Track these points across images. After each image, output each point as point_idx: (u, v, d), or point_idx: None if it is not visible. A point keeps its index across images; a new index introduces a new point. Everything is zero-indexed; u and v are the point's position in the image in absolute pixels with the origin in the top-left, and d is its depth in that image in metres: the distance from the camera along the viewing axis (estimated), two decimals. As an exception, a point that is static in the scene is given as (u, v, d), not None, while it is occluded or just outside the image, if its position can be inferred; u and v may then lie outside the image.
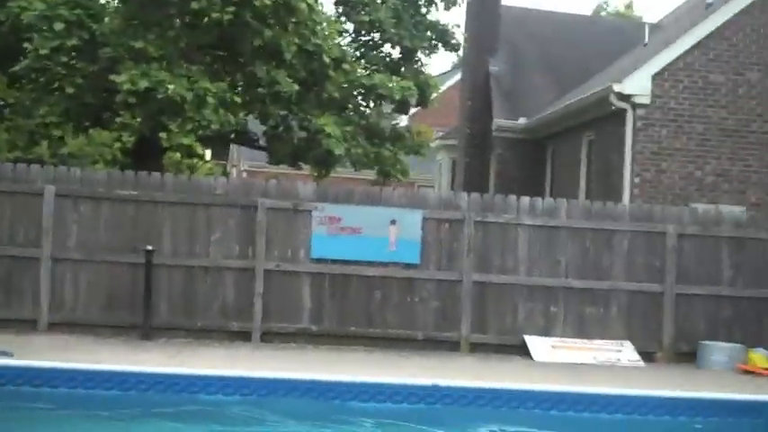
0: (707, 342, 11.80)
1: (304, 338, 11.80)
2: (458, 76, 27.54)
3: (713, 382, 10.60)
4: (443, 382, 9.58)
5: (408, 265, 12.01)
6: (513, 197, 12.27)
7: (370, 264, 11.96)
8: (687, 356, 11.97)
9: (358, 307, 11.94)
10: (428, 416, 9.02)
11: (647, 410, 9.46)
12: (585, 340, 11.93)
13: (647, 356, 11.79)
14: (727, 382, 10.58)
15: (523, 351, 11.76)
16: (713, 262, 12.27)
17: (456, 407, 9.35)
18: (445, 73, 38.96)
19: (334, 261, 11.93)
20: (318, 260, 11.92)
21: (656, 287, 12.15)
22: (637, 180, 14.27)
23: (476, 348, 11.92)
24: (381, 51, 21.07)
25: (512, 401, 9.42)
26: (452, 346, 11.93)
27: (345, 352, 11.37)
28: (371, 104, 19.99)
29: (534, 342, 11.79)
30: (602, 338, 11.99)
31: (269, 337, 11.73)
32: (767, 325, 12.24)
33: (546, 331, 12.05)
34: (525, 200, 12.19)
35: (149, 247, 11.33)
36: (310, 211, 11.91)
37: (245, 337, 11.66)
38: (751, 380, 10.86)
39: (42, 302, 11.43)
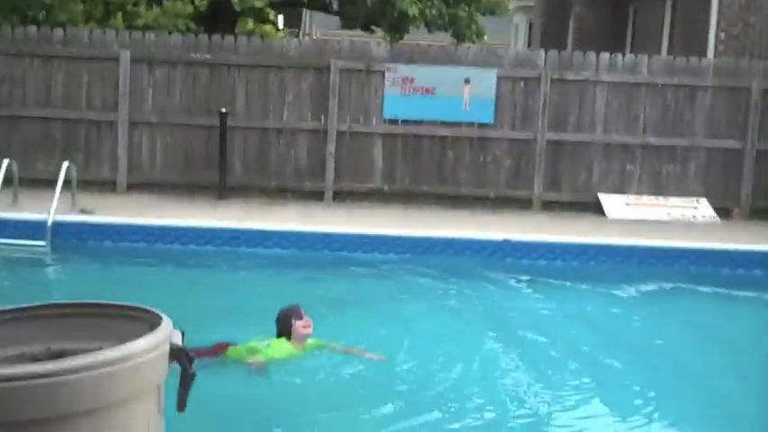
0: (787, 198, 11.53)
1: (376, 198, 11.90)
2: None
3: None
4: (515, 236, 9.66)
5: (482, 125, 11.90)
6: (592, 54, 11.93)
7: (443, 124, 11.88)
8: (765, 213, 11.71)
9: (430, 167, 11.95)
10: (499, 269, 9.10)
11: (720, 263, 9.41)
12: (661, 197, 11.75)
13: (723, 213, 11.58)
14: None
15: (596, 208, 11.67)
16: (799, 117, 11.83)
17: (527, 261, 9.44)
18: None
19: (407, 122, 11.89)
20: (391, 121, 11.89)
21: (737, 144, 11.81)
22: (722, 36, 13.70)
23: (548, 206, 11.88)
24: None
25: (582, 255, 9.48)
26: (524, 205, 11.90)
27: (417, 210, 11.46)
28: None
29: (608, 199, 11.67)
30: (679, 196, 11.79)
31: (341, 196, 11.88)
32: None
33: (620, 189, 11.90)
34: (605, 56, 11.85)
35: (223, 110, 11.45)
36: (383, 72, 11.81)
37: (317, 196, 11.83)
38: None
39: (120, 165, 11.74)
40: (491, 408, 5.26)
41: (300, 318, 5.77)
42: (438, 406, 5.20)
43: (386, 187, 11.94)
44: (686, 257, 9.40)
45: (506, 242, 9.53)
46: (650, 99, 11.82)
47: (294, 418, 5.03)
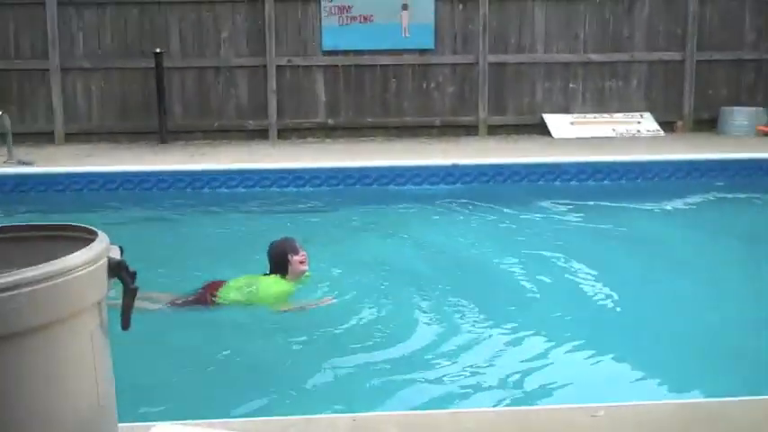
0: (727, 107, 11.62)
1: (321, 133, 11.77)
2: None
3: (733, 144, 10.53)
4: (463, 161, 9.62)
5: (423, 51, 11.77)
6: (529, -29, 11.82)
7: (383, 52, 11.72)
8: (708, 123, 11.84)
9: (374, 97, 11.82)
10: (449, 195, 9.08)
11: (667, 175, 9.49)
12: (605, 114, 11.79)
13: (667, 126, 11.67)
14: (748, 144, 10.50)
15: (542, 129, 11.68)
16: (735, 26, 11.88)
17: (476, 184, 9.43)
18: None
19: (347, 52, 11.71)
20: (331, 52, 11.69)
21: (677, 55, 11.86)
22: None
23: (494, 130, 11.85)
24: None
25: (531, 175, 9.48)
26: (470, 130, 11.86)
27: (364, 143, 11.36)
28: None
29: (553, 119, 11.68)
30: (622, 112, 11.84)
31: (286, 133, 11.71)
32: (791, 86, 12.00)
33: (565, 108, 11.91)
34: (541, -26, 11.75)
35: (158, 50, 11.14)
36: (319, 2, 11.57)
37: (262, 135, 11.65)
38: (772, 141, 10.77)
39: (56, 114, 11.41)
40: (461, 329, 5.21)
41: (297, 252, 5.49)
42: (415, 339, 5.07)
43: (330, 121, 11.79)
44: (633, 171, 9.48)
45: (455, 167, 9.49)
46: (589, 15, 11.78)
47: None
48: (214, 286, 5.48)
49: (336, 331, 5.05)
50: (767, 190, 9.18)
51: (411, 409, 3.78)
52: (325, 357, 4.65)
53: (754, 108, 11.57)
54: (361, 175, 9.40)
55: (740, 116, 11.42)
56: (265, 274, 5.56)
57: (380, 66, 11.74)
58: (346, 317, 5.21)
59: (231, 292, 5.41)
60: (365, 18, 11.64)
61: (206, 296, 5.41)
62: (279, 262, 5.49)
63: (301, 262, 5.49)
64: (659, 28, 11.85)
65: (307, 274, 5.60)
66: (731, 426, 3.29)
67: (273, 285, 5.44)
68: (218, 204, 8.79)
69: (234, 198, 9.01)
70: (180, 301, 5.41)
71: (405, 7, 11.57)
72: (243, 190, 9.18)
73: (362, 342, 4.90)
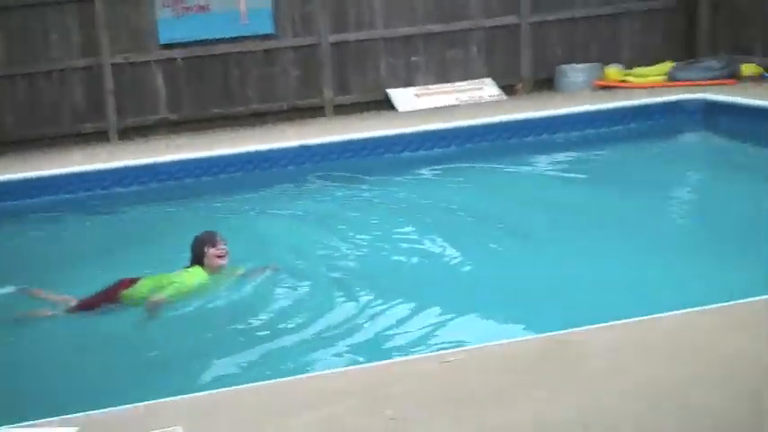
0: (563, 66, 11.99)
1: (165, 129, 11.43)
2: None
3: (570, 99, 10.88)
4: (311, 141, 9.59)
5: (263, 36, 11.61)
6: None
7: (223, 41, 11.50)
8: (547, 83, 12.16)
9: (217, 87, 11.58)
10: (298, 176, 9.06)
11: (509, 135, 9.74)
12: (447, 84, 11.96)
13: (509, 90, 11.93)
14: (584, 98, 10.87)
15: (388, 105, 11.72)
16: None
17: (326, 163, 9.42)
18: None
19: (186, 44, 11.42)
20: (168, 45, 11.38)
21: (513, 19, 12.11)
22: None
23: (341, 110, 11.81)
24: None
25: (378, 148, 9.55)
26: (318, 112, 11.78)
27: (210, 134, 11.14)
28: None
29: (397, 94, 11.75)
30: (465, 80, 12.04)
31: (127, 133, 11.33)
32: (621, 41, 12.43)
33: (409, 82, 11.99)
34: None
35: (-18, 58, 10.59)
36: (151, -6, 11.24)
37: (101, 137, 11.24)
38: (607, 93, 11.17)
39: None
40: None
41: (214, 245, 5.42)
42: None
43: (173, 116, 11.50)
44: (477, 134, 9.69)
45: (303, 147, 9.45)
46: (424, -14, 11.90)
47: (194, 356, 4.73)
48: (124, 284, 5.38)
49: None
50: (608, 138, 9.61)
51: (267, 378, 3.73)
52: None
53: (588, 64, 11.98)
54: (211, 164, 9.27)
55: (574, 73, 11.80)
56: (186, 267, 5.48)
57: (221, 55, 11.52)
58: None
59: (142, 289, 5.31)
60: (201, 8, 11.38)
61: (113, 294, 5.30)
62: (196, 254, 5.46)
63: (218, 255, 5.42)
64: (493, -6, 12.08)
65: (235, 268, 5.54)
66: (580, 355, 3.40)
67: (188, 277, 5.35)
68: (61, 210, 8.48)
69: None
70: (82, 303, 5.28)
71: (240, -6, 11.39)
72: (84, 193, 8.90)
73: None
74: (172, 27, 11.32)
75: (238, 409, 3.16)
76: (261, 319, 4.92)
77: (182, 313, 5.09)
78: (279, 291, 5.33)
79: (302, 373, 3.86)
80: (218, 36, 11.45)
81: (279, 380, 3.58)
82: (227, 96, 11.60)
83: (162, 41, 11.35)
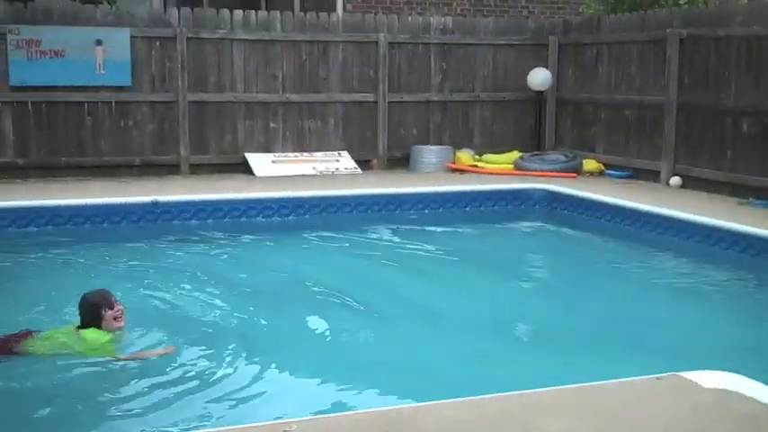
0: (418, 146, 12.37)
1: (11, 173, 11.00)
2: None
3: (424, 179, 11.22)
4: (163, 197, 9.45)
5: (120, 88, 11.42)
6: (225, 11, 11.87)
7: (77, 89, 11.23)
8: (401, 162, 12.51)
9: (68, 136, 11.26)
10: (151, 232, 8.88)
11: (364, 207, 9.94)
12: (306, 153, 12.09)
13: (364, 165, 12.18)
14: (436, 179, 11.24)
15: (245, 168, 11.72)
16: (422, 69, 12.71)
17: (178, 222, 9.30)
18: None
19: (38, 88, 11.09)
20: (19, 88, 11.02)
21: (371, 96, 12.45)
22: (350, -8, 14.39)
23: (197, 169, 11.72)
24: None
25: (233, 211, 9.51)
26: (172, 170, 11.64)
27: (59, 182, 10.78)
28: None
29: (255, 158, 11.78)
30: (322, 151, 12.21)
31: (-30, 174, 10.87)
32: (473, 126, 12.99)
33: (266, 148, 12.06)
34: (239, 13, 11.85)
35: None
36: (5, 35, 10.88)
37: (-59, 178, 10.72)
38: (458, 176, 11.59)
39: None
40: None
41: (111, 307, 5.14)
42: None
43: (20, 161, 11.08)
44: (332, 204, 9.83)
45: (155, 203, 9.29)
46: (286, 56, 12.06)
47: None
48: (23, 336, 5.09)
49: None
50: (455, 218, 9.95)
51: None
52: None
53: (442, 146, 12.41)
54: (53, 215, 8.95)
55: (429, 154, 12.19)
56: (78, 327, 5.18)
57: (74, 102, 11.24)
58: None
59: (44, 341, 5.02)
60: (56, 53, 11.10)
61: (10, 348, 4.99)
62: (91, 316, 5.15)
63: (115, 317, 5.16)
64: (353, 71, 12.39)
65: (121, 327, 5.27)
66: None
67: (96, 335, 5.08)
68: None
69: None
70: None
71: (99, 42, 11.19)
72: None
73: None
74: (24, 69, 10.98)
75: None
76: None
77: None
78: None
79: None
80: (72, 83, 11.18)
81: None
82: (79, 145, 11.30)
83: (12, 83, 10.98)
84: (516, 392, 3.85)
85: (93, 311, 5.16)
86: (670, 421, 3.54)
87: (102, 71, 11.28)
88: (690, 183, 10.68)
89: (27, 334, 5.16)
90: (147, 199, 9.31)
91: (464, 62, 12.89)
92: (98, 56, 11.23)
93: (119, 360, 5.00)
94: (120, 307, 5.21)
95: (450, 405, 3.72)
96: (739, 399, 3.78)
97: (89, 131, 11.36)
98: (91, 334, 5.11)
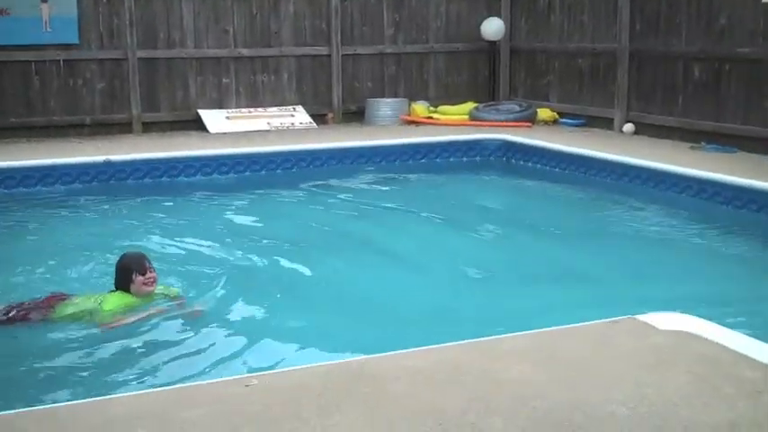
0: (373, 99, 12.32)
1: (-43, 135, 10.80)
2: None
3: (379, 132, 11.19)
4: (116, 157, 9.33)
5: (68, 46, 11.18)
6: (172, -34, 11.65)
7: (24, 47, 10.98)
8: (356, 115, 12.45)
9: (15, 96, 11.03)
10: (100, 191, 8.78)
11: (320, 162, 9.89)
12: (260, 109, 11.98)
13: (319, 119, 12.10)
14: (392, 132, 11.22)
15: (199, 125, 11.59)
16: (375, 21, 12.60)
17: (130, 181, 9.19)
18: None
19: (-19, 48, 10.83)
20: (-38, 48, 10.76)
21: (324, 50, 12.33)
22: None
23: (150, 127, 11.56)
24: None
25: (188, 169, 9.42)
26: (124, 128, 11.47)
27: (8, 144, 10.58)
28: None
29: (208, 115, 11.64)
30: (276, 105, 12.10)
31: None
32: (427, 77, 12.95)
33: (220, 104, 11.93)
34: (185, -33, 11.65)
35: None
36: (-56, -6, 10.59)
37: None
38: (414, 128, 11.58)
39: None
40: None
41: (143, 272, 5.07)
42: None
43: (-34, 122, 10.86)
44: (288, 159, 9.79)
45: (108, 163, 9.17)
46: (237, 10, 11.88)
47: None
48: (54, 300, 5.09)
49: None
50: (411, 170, 9.96)
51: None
52: None
53: (396, 99, 12.36)
54: (6, 177, 8.82)
55: (384, 107, 12.15)
56: (111, 291, 5.16)
57: (21, 62, 10.99)
58: None
59: (69, 307, 5.01)
60: (1, 11, 10.83)
61: (41, 309, 5.01)
62: (121, 278, 5.14)
63: (145, 283, 5.10)
64: (305, 23, 12.25)
65: (156, 292, 5.24)
66: (370, 381, 3.49)
67: (114, 303, 5.04)
68: None
69: None
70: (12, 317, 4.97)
71: (44, 0, 10.92)
72: None
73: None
74: (-32, 29, 10.71)
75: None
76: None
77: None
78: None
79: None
80: (18, 42, 10.93)
81: (65, 404, 3.46)
82: (26, 106, 11.08)
83: (-44, 43, 10.71)
84: (473, 340, 3.90)
85: (124, 274, 5.15)
86: (627, 364, 3.61)
87: (48, 29, 11.04)
88: (643, 129, 10.79)
89: (61, 297, 5.15)
90: (100, 159, 9.17)
91: (417, 13, 12.80)
92: (44, 13, 10.98)
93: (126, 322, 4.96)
94: (153, 274, 5.16)
95: (410, 355, 3.76)
96: (695, 340, 3.86)
97: (37, 91, 11.14)
98: (111, 296, 5.11)
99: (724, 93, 9.75)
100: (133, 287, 5.13)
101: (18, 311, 5.05)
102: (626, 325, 4.08)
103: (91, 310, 5.02)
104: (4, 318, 5.01)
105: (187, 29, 11.70)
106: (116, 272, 5.23)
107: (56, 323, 4.97)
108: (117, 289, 5.19)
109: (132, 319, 4.95)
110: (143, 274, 5.12)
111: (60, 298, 5.17)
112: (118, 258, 5.32)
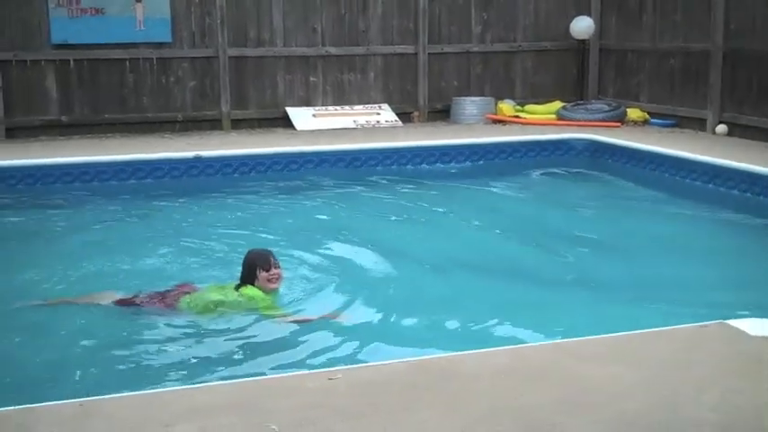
0: (458, 97, 12.27)
1: (55, 131, 11.13)
2: None
3: (465, 131, 11.14)
4: (206, 152, 9.51)
5: (160, 44, 11.46)
6: (262, -35, 11.82)
7: (118, 46, 11.29)
8: (442, 114, 12.43)
9: (111, 93, 11.35)
10: (192, 187, 8.97)
11: (405, 160, 9.92)
12: (346, 107, 12.07)
13: (405, 117, 12.12)
14: (478, 130, 11.16)
15: (286, 123, 11.73)
16: (463, 20, 12.54)
17: (220, 176, 9.37)
18: None
19: (79, 46, 11.16)
20: (61, 46, 11.10)
21: (411, 48, 12.35)
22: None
23: (238, 124, 11.77)
24: None
25: (275, 165, 9.55)
26: (214, 125, 11.70)
27: (103, 139, 10.89)
28: None
29: (295, 112, 11.78)
30: (362, 104, 12.17)
31: (15, 132, 10.99)
32: (514, 76, 12.83)
33: (307, 101, 12.05)
34: (275, -33, 11.80)
35: None
36: (45, -7, 10.95)
37: (-13, 134, 10.88)
38: (499, 127, 11.49)
39: None
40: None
41: (268, 269, 5.13)
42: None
43: (64, 118, 11.20)
44: (373, 158, 9.84)
45: (198, 159, 9.36)
46: (326, 9, 11.99)
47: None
48: (183, 290, 5.25)
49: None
50: (497, 170, 9.89)
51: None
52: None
53: (482, 98, 12.29)
54: (98, 172, 9.09)
55: (470, 106, 12.09)
56: (237, 285, 5.23)
57: (115, 60, 11.31)
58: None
59: (206, 296, 5.15)
60: (96, 11, 11.15)
61: (172, 299, 5.16)
62: (247, 273, 5.21)
63: (269, 280, 5.16)
64: (393, 23, 12.28)
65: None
66: (455, 378, 3.47)
67: (259, 295, 5.13)
68: None
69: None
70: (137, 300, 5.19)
71: (139, 0, 11.22)
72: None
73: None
74: (65, 27, 11.05)
75: (111, 419, 3.11)
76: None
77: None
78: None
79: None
80: (112, 40, 11.24)
81: (157, 390, 3.54)
82: (121, 102, 11.39)
83: (54, 41, 11.06)
84: (560, 340, 3.86)
85: (249, 269, 5.18)
86: (716, 369, 3.52)
87: (141, 27, 11.32)
88: (736, 131, 10.48)
89: (188, 288, 5.28)
90: (190, 154, 9.37)
91: (505, 11, 12.70)
92: (138, 13, 11.27)
93: (284, 318, 5.01)
94: (278, 271, 5.17)
95: (495, 353, 3.74)
96: (787, 346, 3.74)
97: (131, 88, 11.43)
98: (250, 291, 5.13)
99: (824, 93, 9.40)
100: (257, 283, 5.13)
101: (145, 298, 5.20)
102: (716, 330, 3.98)
103: (233, 305, 5.05)
104: (130, 297, 5.18)
105: (277, 28, 11.85)
106: (243, 266, 5.24)
107: (181, 313, 5.07)
108: (243, 283, 5.19)
109: (296, 318, 4.98)
110: (267, 271, 5.11)
111: (186, 290, 5.25)
112: (246, 252, 5.34)
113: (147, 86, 11.48)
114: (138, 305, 5.17)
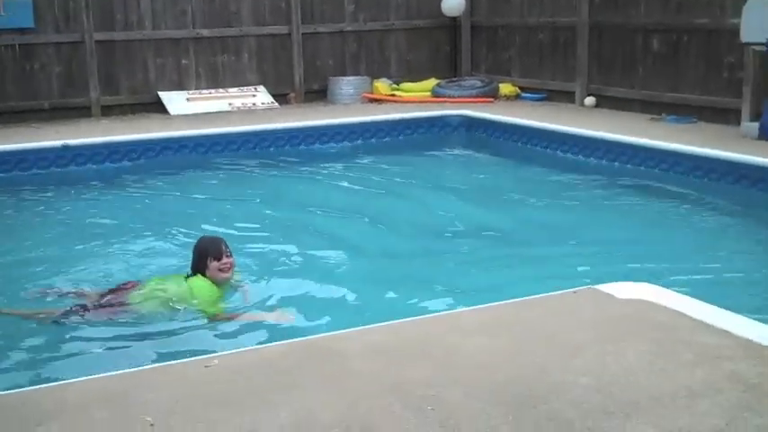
0: (335, 77, 12.25)
1: None
2: None
3: (342, 111, 11.14)
4: (74, 141, 9.22)
5: (23, 30, 10.99)
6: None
7: (-24, 32, 10.80)
8: (319, 94, 12.39)
9: (-30, 82, 10.86)
10: (58, 178, 8.68)
11: (283, 142, 9.86)
12: (221, 89, 11.88)
13: (281, 99, 12.02)
14: (355, 110, 11.18)
15: (160, 108, 11.47)
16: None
17: (91, 165, 9.10)
18: None
19: (-67, 33, 10.63)
20: None
21: (284, 29, 12.24)
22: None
23: (109, 111, 11.42)
24: None
25: (148, 152, 9.33)
26: (84, 112, 11.32)
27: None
28: None
29: (169, 96, 11.53)
30: (237, 86, 12.00)
31: None
32: (389, 55, 12.90)
33: (180, 85, 11.81)
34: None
35: None
36: None
37: None
38: (376, 106, 11.54)
39: None
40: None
41: (219, 258, 4.87)
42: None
43: None
44: (249, 141, 9.74)
45: (66, 148, 9.05)
46: (195, -8, 11.77)
47: None
48: (125, 289, 4.93)
49: None
50: (375, 148, 9.94)
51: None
52: None
53: (359, 77, 12.31)
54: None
55: (347, 85, 12.09)
56: (187, 275, 4.96)
57: (-25, 47, 10.81)
58: None
59: (150, 292, 4.85)
60: (-47, -4, 10.63)
61: (116, 302, 4.83)
62: (197, 262, 4.95)
63: (220, 269, 4.91)
64: (265, 3, 12.13)
65: (234, 279, 5.08)
66: (336, 357, 3.49)
67: (205, 288, 4.86)
68: None
69: None
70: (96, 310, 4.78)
71: (-3, -17, 10.73)
72: None
73: None
74: None
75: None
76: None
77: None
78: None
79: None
80: (-29, 27, 10.74)
81: (27, 389, 3.42)
82: (-18, 91, 10.91)
83: None
84: (435, 314, 3.92)
85: (199, 257, 4.97)
86: (587, 333, 3.64)
87: (2, 13, 10.84)
88: (604, 102, 10.84)
89: (133, 284, 5.00)
90: (57, 143, 9.06)
91: (379, -10, 12.74)
92: (-4, -4, 10.78)
93: (228, 319, 4.79)
94: (230, 260, 4.98)
95: (372, 330, 3.77)
96: (654, 308, 3.90)
97: (-8, 76, 10.95)
98: (198, 282, 4.91)
99: (683, 64, 9.81)
100: (208, 273, 4.94)
101: (101, 303, 4.88)
102: (586, 295, 4.11)
103: (181, 297, 4.83)
104: (92, 307, 4.83)
105: (144, 10, 11.55)
106: (193, 255, 5.05)
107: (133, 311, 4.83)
108: (193, 273, 5.00)
109: (241, 318, 4.78)
110: (218, 260, 4.93)
111: (131, 286, 4.99)
112: (196, 241, 5.15)
113: (10, 74, 11.00)
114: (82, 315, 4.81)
